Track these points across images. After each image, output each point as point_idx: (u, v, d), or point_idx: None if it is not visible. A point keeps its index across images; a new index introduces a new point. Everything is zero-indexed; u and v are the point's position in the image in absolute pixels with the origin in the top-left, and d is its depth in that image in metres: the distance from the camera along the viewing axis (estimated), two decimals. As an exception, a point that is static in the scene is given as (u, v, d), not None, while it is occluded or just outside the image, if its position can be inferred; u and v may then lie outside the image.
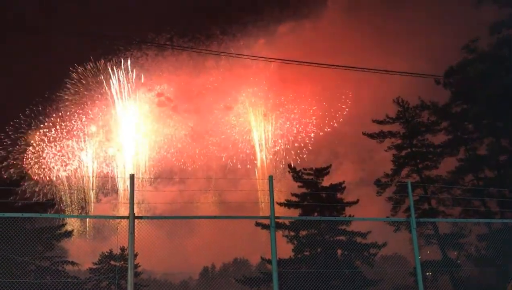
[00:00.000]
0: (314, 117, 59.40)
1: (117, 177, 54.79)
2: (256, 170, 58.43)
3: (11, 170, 50.46)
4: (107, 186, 55.00)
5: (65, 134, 54.94)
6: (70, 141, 54.76)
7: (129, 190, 10.97)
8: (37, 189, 51.11)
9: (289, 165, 32.83)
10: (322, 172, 31.34)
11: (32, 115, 53.89)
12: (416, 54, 50.59)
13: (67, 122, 55.11)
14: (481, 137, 32.19)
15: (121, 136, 56.86)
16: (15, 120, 53.20)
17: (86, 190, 54.35)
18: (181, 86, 59.06)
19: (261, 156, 59.12)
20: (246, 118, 58.97)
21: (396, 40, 55.60)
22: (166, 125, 57.44)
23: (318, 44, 60.09)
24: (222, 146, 58.12)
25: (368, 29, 58.93)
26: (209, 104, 58.59)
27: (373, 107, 47.89)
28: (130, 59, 57.26)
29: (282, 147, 58.80)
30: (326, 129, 58.61)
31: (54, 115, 54.60)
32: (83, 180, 55.06)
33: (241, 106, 59.39)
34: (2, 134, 52.91)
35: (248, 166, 58.15)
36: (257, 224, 24.10)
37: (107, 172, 55.44)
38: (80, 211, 52.29)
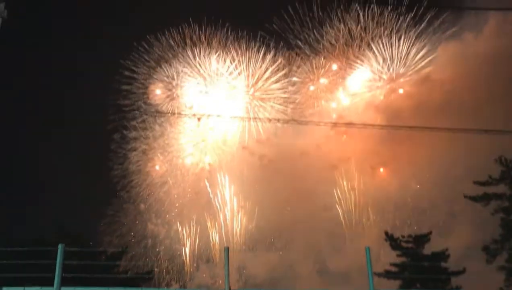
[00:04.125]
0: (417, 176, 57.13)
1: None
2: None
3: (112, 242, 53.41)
4: (206, 254, 55.83)
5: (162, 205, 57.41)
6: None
7: (224, 263, 11.00)
8: (136, 262, 53.19)
9: (386, 233, 31.46)
10: (422, 239, 29.86)
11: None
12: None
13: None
14: None
15: (218, 202, 57.95)
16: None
17: (183, 261, 55.57)
18: (283, 147, 59.05)
19: (365, 219, 57.17)
20: (351, 177, 57.68)
21: (483, 104, 52.77)
22: (266, 189, 57.58)
23: (427, 97, 58.19)
24: (323, 209, 57.00)
25: (473, 83, 56.23)
26: (312, 164, 57.98)
27: (472, 167, 45.22)
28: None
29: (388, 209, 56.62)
30: (423, 192, 55.89)
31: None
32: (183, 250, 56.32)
33: (346, 165, 58.28)
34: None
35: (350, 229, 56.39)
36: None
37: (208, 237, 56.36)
38: (178, 283, 53.35)
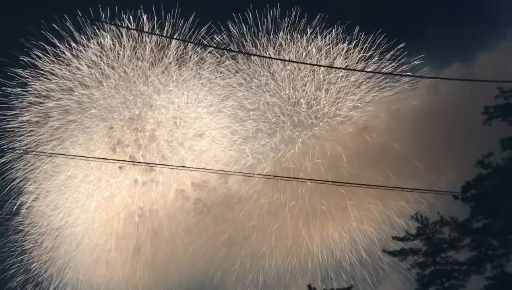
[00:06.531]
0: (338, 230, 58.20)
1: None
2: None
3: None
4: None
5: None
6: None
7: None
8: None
9: (309, 286, 32.01)
10: (343, 293, 30.55)
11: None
12: (432, 170, 50.48)
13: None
14: (507, 253, 31.07)
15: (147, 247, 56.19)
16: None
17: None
18: (220, 191, 58.29)
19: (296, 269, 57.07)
20: (286, 225, 57.58)
21: (412, 158, 55.45)
22: (199, 234, 56.30)
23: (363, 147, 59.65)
24: (256, 257, 56.50)
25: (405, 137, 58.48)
26: (249, 210, 57.41)
27: (392, 223, 47.15)
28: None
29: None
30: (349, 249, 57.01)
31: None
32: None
33: (282, 212, 58.09)
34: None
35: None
36: None
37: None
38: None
